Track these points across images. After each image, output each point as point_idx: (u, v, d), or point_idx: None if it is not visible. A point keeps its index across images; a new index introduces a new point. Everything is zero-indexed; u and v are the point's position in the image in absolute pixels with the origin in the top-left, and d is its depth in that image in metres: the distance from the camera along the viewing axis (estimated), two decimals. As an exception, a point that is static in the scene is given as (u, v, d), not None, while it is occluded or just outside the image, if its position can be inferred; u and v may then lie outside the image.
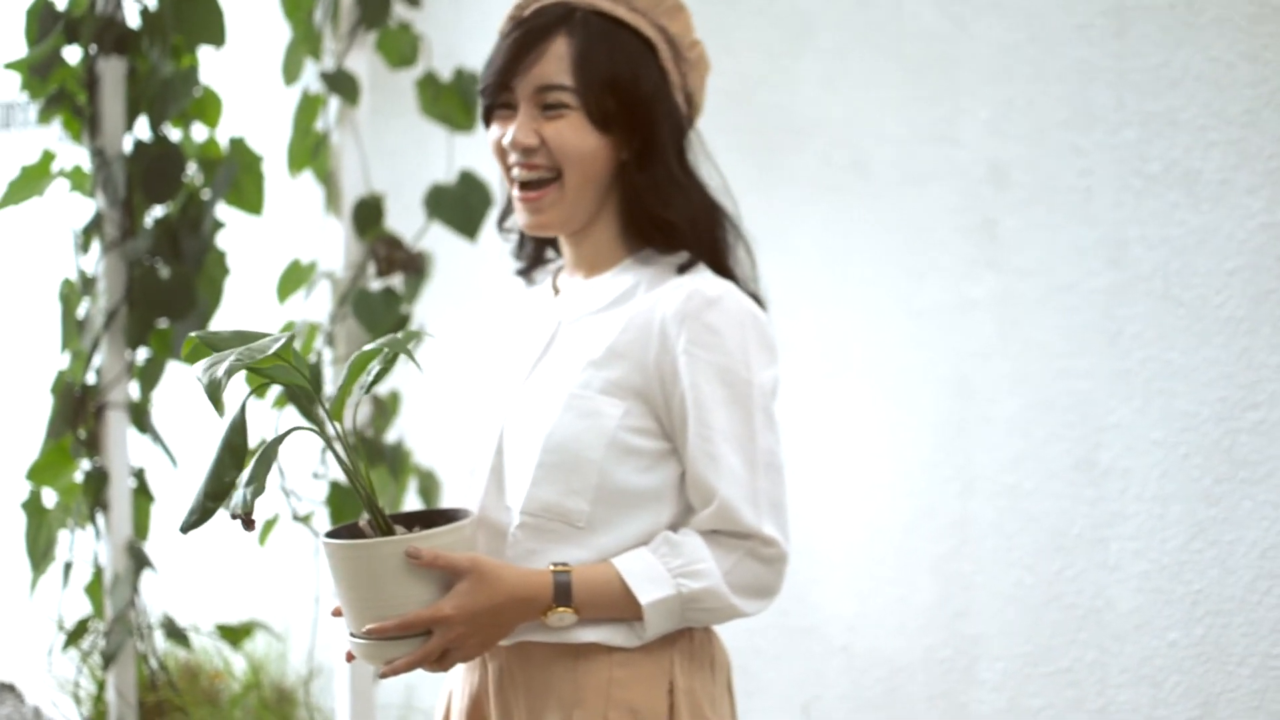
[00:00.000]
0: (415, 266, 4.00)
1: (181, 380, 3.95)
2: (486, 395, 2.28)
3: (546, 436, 2.11)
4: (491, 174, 3.17)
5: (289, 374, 1.93)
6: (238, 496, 1.89)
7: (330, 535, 2.07)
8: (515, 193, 2.20)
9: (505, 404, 2.21)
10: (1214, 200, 2.79)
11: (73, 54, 3.87)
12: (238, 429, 1.91)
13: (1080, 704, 3.03)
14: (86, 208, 3.96)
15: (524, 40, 2.17)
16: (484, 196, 3.91)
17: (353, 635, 2.06)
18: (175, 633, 4.11)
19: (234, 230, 4.11)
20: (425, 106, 3.98)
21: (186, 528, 1.92)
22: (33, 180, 3.91)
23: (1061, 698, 3.06)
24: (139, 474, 4.05)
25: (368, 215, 3.99)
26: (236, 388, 1.93)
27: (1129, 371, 2.93)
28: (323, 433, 2.00)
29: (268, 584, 5.11)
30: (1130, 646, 2.95)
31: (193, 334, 1.93)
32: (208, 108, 3.97)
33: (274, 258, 4.24)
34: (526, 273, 2.41)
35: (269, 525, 4.13)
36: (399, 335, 2.00)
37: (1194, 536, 2.85)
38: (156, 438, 4.01)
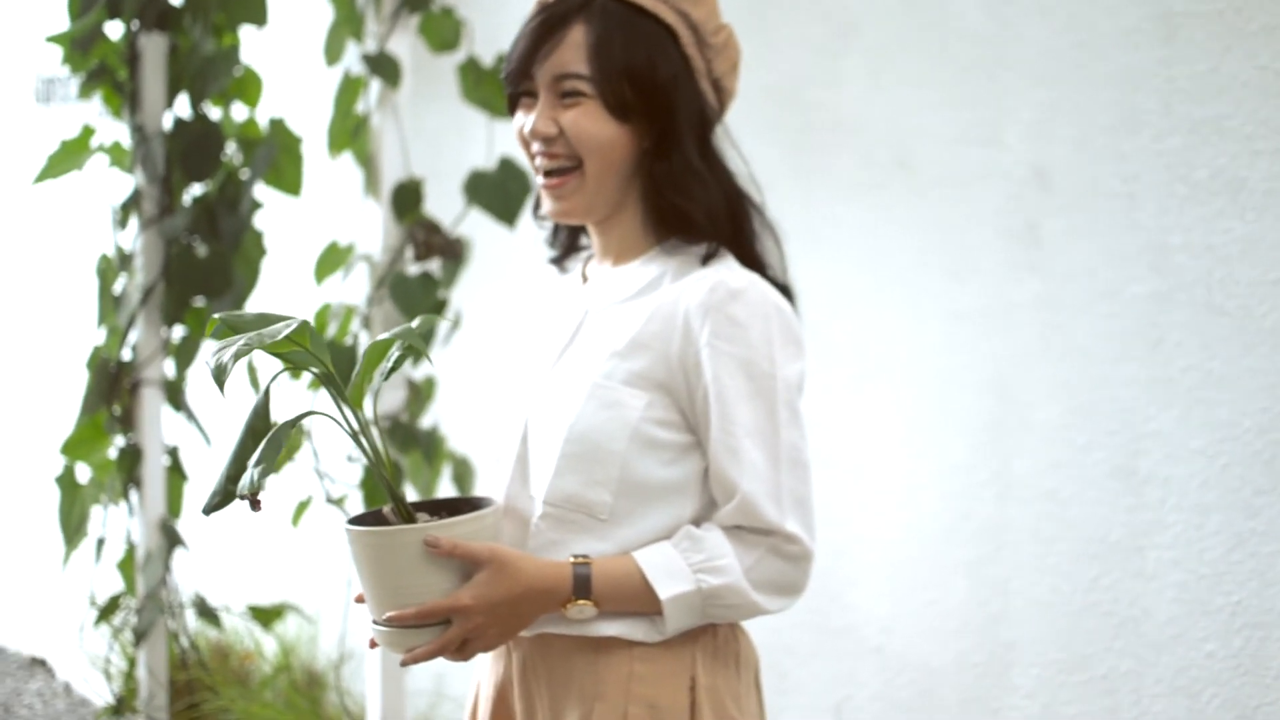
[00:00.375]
0: (453, 252, 3.99)
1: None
2: (516, 383, 2.26)
3: (569, 427, 2.09)
4: (531, 161, 3.16)
5: (307, 358, 1.91)
6: (245, 477, 1.87)
7: (354, 521, 2.06)
8: (539, 180, 2.20)
9: (532, 392, 2.20)
10: (1259, 209, 2.76)
11: (115, 29, 3.88)
12: (260, 413, 1.89)
13: (1115, 713, 3.00)
14: (125, 184, 3.97)
15: (543, 28, 2.16)
16: (523, 183, 3.90)
17: (374, 622, 2.05)
18: (207, 612, 4.13)
19: (272, 210, 4.11)
20: (466, 92, 3.97)
21: (209, 510, 1.92)
22: (72, 155, 3.93)
23: (1096, 706, 3.04)
24: (173, 452, 4.06)
25: (407, 199, 3.99)
26: (268, 370, 1.91)
27: (1170, 380, 2.90)
28: (343, 418, 1.98)
29: (300, 566, 5.11)
30: (1167, 657, 2.92)
31: (216, 315, 1.92)
32: (248, 87, 3.98)
33: (312, 239, 4.24)
34: (560, 261, 2.39)
35: (302, 507, 4.13)
36: (413, 324, 1.98)
37: (1233, 548, 2.82)
38: (191, 416, 4.02)
